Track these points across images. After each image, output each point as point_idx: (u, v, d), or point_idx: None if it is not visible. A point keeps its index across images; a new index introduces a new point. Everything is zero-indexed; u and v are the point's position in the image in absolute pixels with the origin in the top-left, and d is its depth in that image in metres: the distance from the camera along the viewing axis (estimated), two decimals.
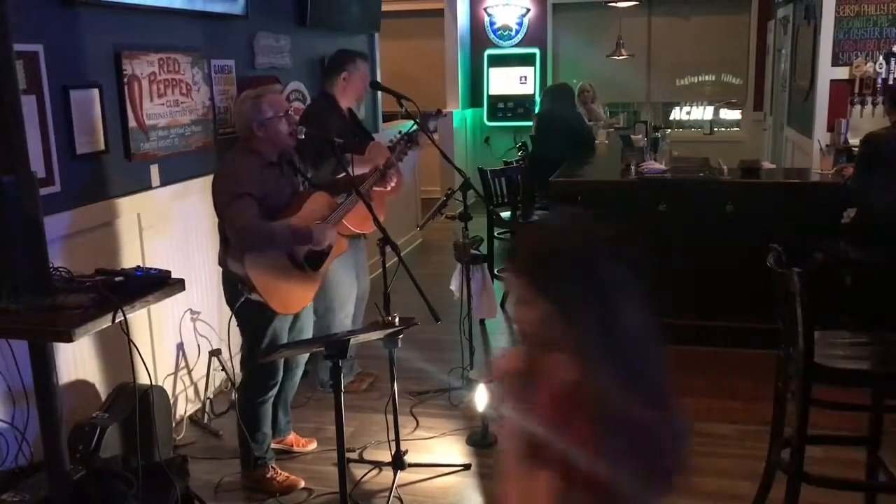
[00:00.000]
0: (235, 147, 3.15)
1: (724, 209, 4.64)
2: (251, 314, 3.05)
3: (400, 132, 3.75)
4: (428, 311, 2.87)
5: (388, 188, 3.64)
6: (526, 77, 9.56)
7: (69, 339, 2.05)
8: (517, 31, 9.63)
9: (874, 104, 5.57)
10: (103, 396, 3.21)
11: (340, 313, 3.89)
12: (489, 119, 9.73)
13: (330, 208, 3.20)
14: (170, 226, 3.67)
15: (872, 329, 2.96)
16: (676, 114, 10.07)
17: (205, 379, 3.90)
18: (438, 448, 3.58)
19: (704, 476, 3.26)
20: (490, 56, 9.66)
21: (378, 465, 3.38)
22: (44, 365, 2.24)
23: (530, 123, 7.99)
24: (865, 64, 5.62)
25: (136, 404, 2.95)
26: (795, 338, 2.52)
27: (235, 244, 2.94)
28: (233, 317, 3.16)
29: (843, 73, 5.73)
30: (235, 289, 3.02)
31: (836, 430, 3.05)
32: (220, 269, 3.12)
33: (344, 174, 3.39)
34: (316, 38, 5.10)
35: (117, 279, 2.28)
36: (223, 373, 3.88)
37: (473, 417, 3.72)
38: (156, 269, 2.42)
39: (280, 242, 2.98)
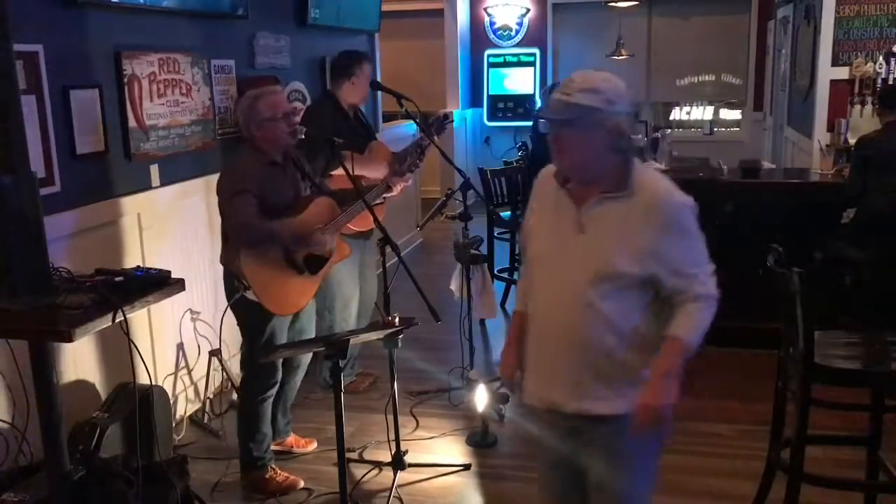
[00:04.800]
0: (242, 145, 3.17)
1: (724, 209, 4.64)
2: (249, 311, 3.06)
3: (413, 137, 3.75)
4: (428, 311, 2.87)
5: (395, 192, 3.66)
6: (526, 77, 9.56)
7: (69, 339, 2.05)
8: (517, 31, 9.62)
9: (874, 104, 5.57)
10: (103, 396, 3.21)
11: (343, 313, 3.89)
12: (489, 119, 9.72)
13: (332, 214, 3.20)
14: (170, 226, 3.67)
15: (872, 329, 2.96)
16: (676, 114, 10.07)
17: (205, 379, 3.90)
18: (438, 448, 3.58)
19: (704, 476, 3.26)
20: (490, 56, 9.66)
21: (378, 465, 3.38)
22: (44, 365, 2.24)
23: (530, 123, 7.99)
24: (865, 64, 5.62)
25: (136, 404, 2.95)
26: (795, 338, 2.52)
27: (233, 240, 2.96)
28: (233, 316, 3.17)
29: (843, 73, 5.73)
30: (233, 285, 3.04)
31: (836, 430, 3.05)
32: (221, 268, 3.13)
33: (336, 171, 3.40)
34: (316, 38, 5.09)
35: (117, 279, 2.28)
36: (223, 373, 3.88)
37: (473, 417, 3.72)
38: (156, 269, 2.42)
39: (277, 240, 2.99)
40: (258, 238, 2.93)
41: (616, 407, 1.99)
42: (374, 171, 3.69)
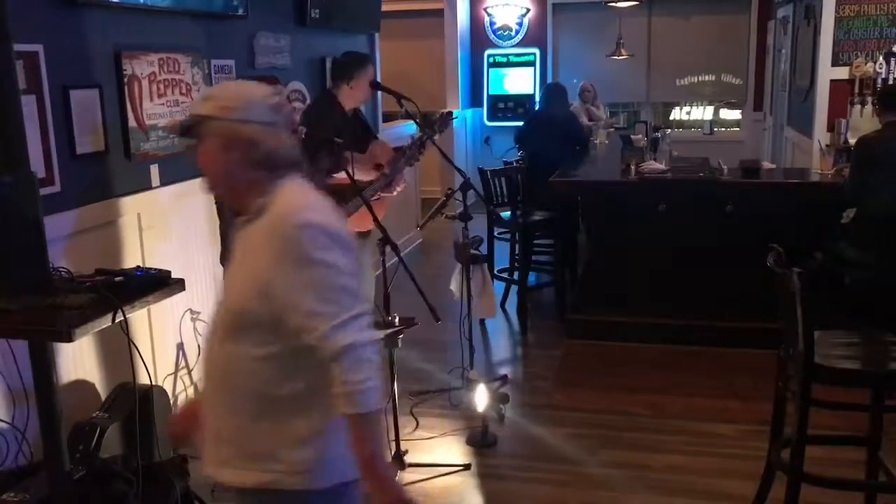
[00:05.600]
0: None
1: (724, 209, 4.65)
2: None
3: (412, 137, 3.75)
4: (428, 311, 2.87)
5: (395, 193, 3.65)
6: (526, 77, 9.56)
7: (69, 339, 2.05)
8: (517, 31, 9.62)
9: (874, 104, 5.57)
10: (103, 396, 3.20)
11: None
12: (489, 119, 9.73)
13: None
14: (170, 226, 3.67)
15: (872, 329, 2.96)
16: (676, 114, 10.08)
17: None
18: (438, 448, 3.58)
19: (704, 476, 3.26)
20: (490, 56, 9.66)
21: None
22: (44, 365, 2.24)
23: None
24: (865, 64, 5.62)
25: (136, 404, 2.95)
26: (795, 338, 2.52)
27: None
28: None
29: (843, 73, 5.73)
30: None
31: (836, 430, 3.05)
32: (220, 269, 3.12)
33: (340, 173, 3.39)
34: (316, 38, 5.09)
35: (117, 279, 2.28)
36: None
37: (473, 417, 3.72)
38: (156, 269, 2.42)
39: None
40: None
41: (259, 478, 1.64)
42: (374, 173, 3.68)
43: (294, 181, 1.70)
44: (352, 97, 3.89)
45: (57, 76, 2.98)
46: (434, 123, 3.75)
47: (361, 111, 4.18)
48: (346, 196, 3.27)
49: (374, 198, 3.54)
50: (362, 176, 3.60)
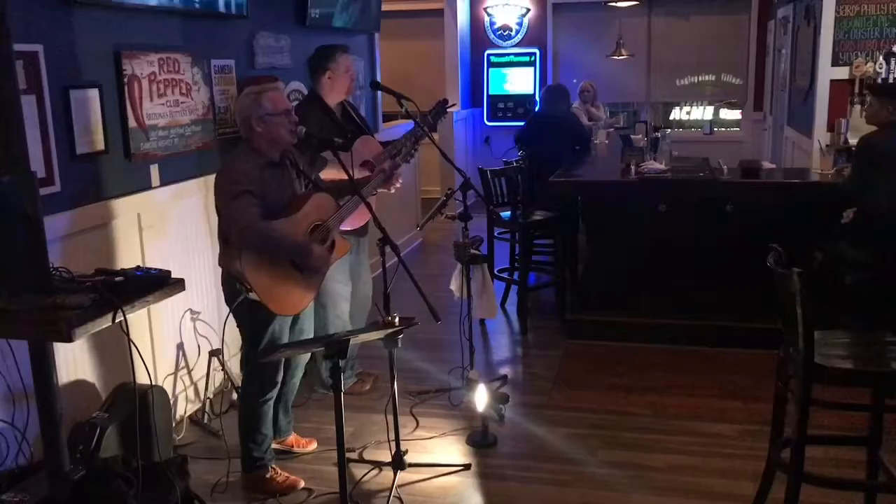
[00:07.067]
0: (238, 147, 3.15)
1: (724, 209, 4.65)
2: (250, 314, 3.05)
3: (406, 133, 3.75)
4: (428, 311, 2.87)
5: (393, 190, 3.64)
6: (526, 77, 9.57)
7: (69, 339, 2.05)
8: (517, 32, 9.63)
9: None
10: (103, 396, 3.20)
11: (335, 310, 3.88)
12: (489, 119, 9.73)
13: (331, 210, 3.19)
14: (170, 226, 3.67)
15: (872, 329, 2.96)
16: (676, 114, 10.07)
17: (205, 379, 3.90)
18: (438, 448, 3.59)
19: (704, 476, 3.26)
20: (490, 56, 9.66)
21: (378, 465, 3.38)
22: (44, 365, 2.25)
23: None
24: (865, 64, 5.62)
25: (136, 404, 2.95)
26: (795, 338, 2.52)
27: (236, 242, 2.91)
28: (233, 317, 3.16)
29: (843, 73, 5.73)
30: (234, 287, 3.02)
31: (836, 430, 3.05)
32: (220, 269, 3.12)
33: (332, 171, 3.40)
34: (316, 38, 5.08)
35: (117, 279, 2.28)
36: (223, 373, 3.88)
37: (473, 417, 3.72)
38: (156, 269, 2.42)
39: (281, 251, 2.96)
40: (262, 243, 2.91)
41: None
42: (355, 172, 3.62)
43: None
44: (333, 89, 3.86)
45: (57, 76, 2.98)
46: (429, 113, 3.73)
47: (356, 108, 4.16)
48: (343, 194, 3.27)
49: (372, 194, 3.53)
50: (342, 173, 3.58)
